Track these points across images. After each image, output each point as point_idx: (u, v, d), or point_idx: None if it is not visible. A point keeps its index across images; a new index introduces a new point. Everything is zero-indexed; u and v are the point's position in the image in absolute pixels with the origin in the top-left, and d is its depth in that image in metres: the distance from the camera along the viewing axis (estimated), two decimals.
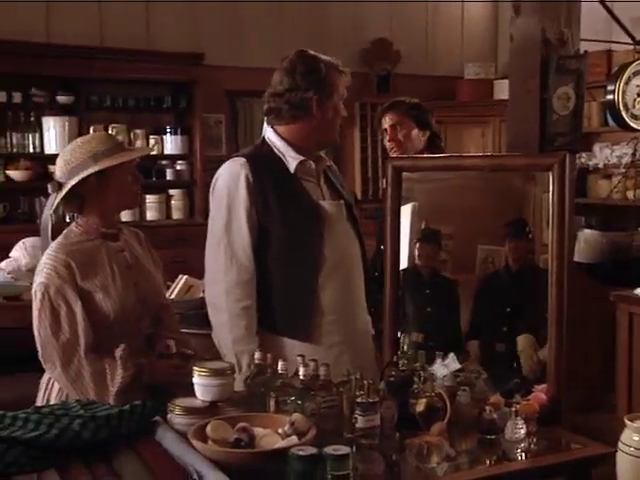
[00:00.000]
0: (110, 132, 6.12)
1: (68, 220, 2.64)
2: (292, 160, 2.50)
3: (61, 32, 6.01)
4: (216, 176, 2.55)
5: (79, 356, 2.21)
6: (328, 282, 2.49)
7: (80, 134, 5.80)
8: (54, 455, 1.82)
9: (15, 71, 5.66)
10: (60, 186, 2.30)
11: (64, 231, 2.37)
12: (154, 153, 6.37)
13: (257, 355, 2.20)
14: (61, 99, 5.97)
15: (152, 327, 2.44)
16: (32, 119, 5.89)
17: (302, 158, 2.51)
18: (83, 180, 2.27)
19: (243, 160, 2.50)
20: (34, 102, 5.89)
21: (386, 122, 3.40)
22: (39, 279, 2.26)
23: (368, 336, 2.65)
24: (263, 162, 2.50)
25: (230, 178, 2.48)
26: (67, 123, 5.87)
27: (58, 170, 2.32)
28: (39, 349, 2.25)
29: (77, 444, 1.85)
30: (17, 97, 5.80)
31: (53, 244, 2.33)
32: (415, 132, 3.34)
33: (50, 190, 2.32)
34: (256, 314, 2.47)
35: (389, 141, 3.38)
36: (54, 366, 2.23)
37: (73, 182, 2.27)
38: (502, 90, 7.11)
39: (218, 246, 2.48)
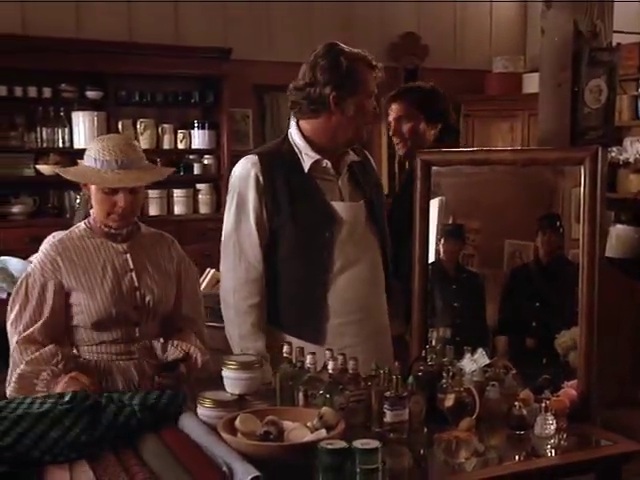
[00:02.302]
0: (138, 127, 6.17)
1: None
2: (307, 159, 2.46)
3: (90, 28, 6.05)
4: (231, 173, 2.53)
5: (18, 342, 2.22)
6: (338, 284, 2.45)
7: (109, 129, 5.85)
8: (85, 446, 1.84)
9: (45, 67, 5.71)
10: None
11: (72, 227, 2.37)
12: (181, 148, 6.41)
13: (285, 349, 2.20)
14: (90, 94, 6.01)
15: (166, 335, 2.41)
16: (61, 114, 5.94)
17: (317, 157, 2.46)
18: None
19: (255, 159, 2.46)
20: (63, 97, 5.94)
21: (391, 114, 3.08)
22: (28, 269, 2.30)
23: (385, 338, 2.58)
24: (278, 160, 2.47)
25: (241, 177, 2.47)
26: (96, 118, 5.91)
27: None
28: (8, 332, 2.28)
29: (108, 437, 1.87)
30: (47, 92, 5.85)
31: (55, 238, 2.34)
32: (422, 126, 3.02)
33: None
34: (264, 311, 2.46)
35: (393, 135, 3.09)
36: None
37: (60, 171, 2.36)
38: (531, 84, 7.05)
39: (228, 243, 2.48)
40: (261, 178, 2.43)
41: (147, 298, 2.31)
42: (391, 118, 3.08)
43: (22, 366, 2.18)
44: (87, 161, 2.27)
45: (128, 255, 2.32)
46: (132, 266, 2.32)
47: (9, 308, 2.27)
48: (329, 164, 2.48)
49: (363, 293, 2.49)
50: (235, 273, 2.45)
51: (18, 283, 2.28)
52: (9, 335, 2.27)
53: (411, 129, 3.02)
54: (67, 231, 2.35)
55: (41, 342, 2.22)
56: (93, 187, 2.26)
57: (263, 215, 2.44)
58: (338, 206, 2.47)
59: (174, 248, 2.44)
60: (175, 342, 2.36)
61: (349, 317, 2.46)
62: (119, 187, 2.22)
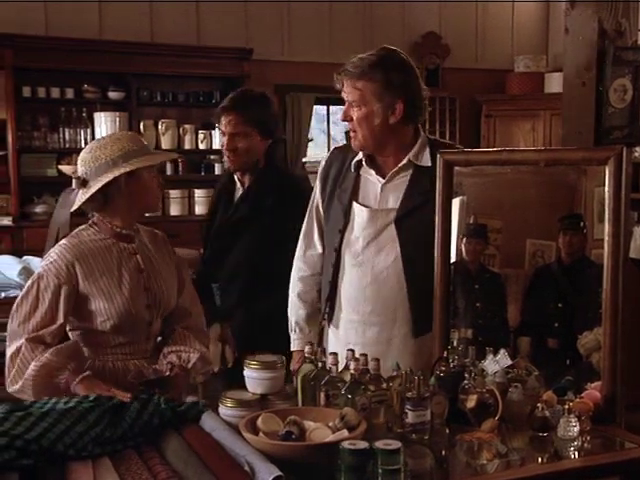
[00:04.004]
0: (160, 127, 6.21)
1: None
2: (356, 157, 2.54)
3: (112, 29, 6.10)
4: None
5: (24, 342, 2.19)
6: (346, 280, 2.54)
7: (130, 129, 5.91)
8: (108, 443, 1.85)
9: (68, 67, 5.77)
10: (85, 183, 2.23)
11: (77, 229, 2.33)
12: (203, 148, 6.44)
13: (307, 349, 2.20)
14: (112, 95, 6.06)
15: (163, 332, 2.42)
16: (84, 115, 6.00)
17: (360, 157, 2.52)
18: (113, 179, 2.20)
19: (330, 151, 2.69)
20: (86, 98, 6.00)
21: (226, 127, 3.00)
22: (38, 270, 2.26)
23: (394, 351, 2.50)
24: (345, 154, 2.59)
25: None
26: (118, 118, 5.96)
27: (84, 166, 2.24)
28: (8, 333, 2.24)
29: (131, 434, 1.88)
30: (70, 93, 5.92)
31: (65, 240, 2.28)
32: (257, 142, 3.02)
33: (74, 186, 2.30)
34: (317, 286, 2.64)
35: (227, 150, 3.01)
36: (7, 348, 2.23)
37: (105, 180, 2.20)
38: (553, 83, 7.01)
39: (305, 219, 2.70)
40: (323, 168, 2.63)
41: (158, 297, 2.34)
42: (225, 131, 3.01)
43: (47, 355, 2.15)
44: (115, 165, 2.20)
45: (138, 256, 2.34)
46: (143, 266, 2.33)
47: (15, 308, 2.22)
48: (366, 165, 2.53)
49: (369, 298, 2.50)
50: (299, 250, 2.68)
51: (28, 284, 2.22)
52: (12, 335, 2.21)
53: (248, 147, 2.99)
54: (73, 234, 2.31)
55: (49, 343, 2.19)
56: (147, 177, 2.27)
57: (323, 201, 2.62)
58: (357, 209, 2.51)
59: (168, 243, 2.49)
60: (168, 350, 2.35)
61: (354, 316, 2.54)
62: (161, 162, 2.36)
